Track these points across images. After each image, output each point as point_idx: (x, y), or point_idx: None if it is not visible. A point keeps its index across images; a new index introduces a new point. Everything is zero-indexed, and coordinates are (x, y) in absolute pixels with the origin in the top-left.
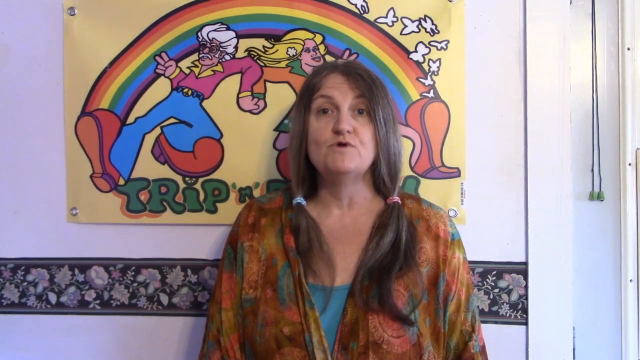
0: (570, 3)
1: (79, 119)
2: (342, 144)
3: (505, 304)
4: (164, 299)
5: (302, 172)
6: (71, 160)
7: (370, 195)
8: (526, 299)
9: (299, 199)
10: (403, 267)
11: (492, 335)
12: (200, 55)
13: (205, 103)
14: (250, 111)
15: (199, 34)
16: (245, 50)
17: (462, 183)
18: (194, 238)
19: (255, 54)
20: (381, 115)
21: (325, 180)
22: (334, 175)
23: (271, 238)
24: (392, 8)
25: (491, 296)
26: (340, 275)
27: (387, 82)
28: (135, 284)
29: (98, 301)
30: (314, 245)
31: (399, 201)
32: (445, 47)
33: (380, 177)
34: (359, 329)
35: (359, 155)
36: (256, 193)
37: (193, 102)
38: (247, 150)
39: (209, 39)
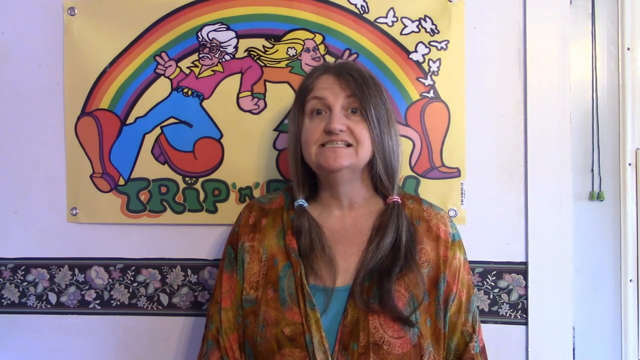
0: (570, 3)
1: (79, 119)
2: (334, 142)
3: (505, 304)
4: (164, 299)
5: (302, 174)
6: (71, 160)
7: (369, 195)
8: (526, 299)
9: (301, 201)
10: (404, 267)
11: (492, 335)
12: (200, 55)
13: (205, 103)
14: (250, 111)
15: (199, 34)
16: (245, 50)
17: (462, 183)
18: (194, 238)
19: (255, 54)
20: (373, 113)
21: (323, 181)
22: (328, 174)
23: (272, 238)
24: (392, 8)
25: (491, 296)
26: (341, 276)
27: (387, 82)
28: (135, 284)
29: (98, 301)
30: (316, 246)
31: (399, 200)
32: (445, 47)
33: (378, 176)
34: (360, 330)
35: (356, 153)
36: (256, 193)
37: (193, 102)
38: (247, 150)
39: (209, 39)
